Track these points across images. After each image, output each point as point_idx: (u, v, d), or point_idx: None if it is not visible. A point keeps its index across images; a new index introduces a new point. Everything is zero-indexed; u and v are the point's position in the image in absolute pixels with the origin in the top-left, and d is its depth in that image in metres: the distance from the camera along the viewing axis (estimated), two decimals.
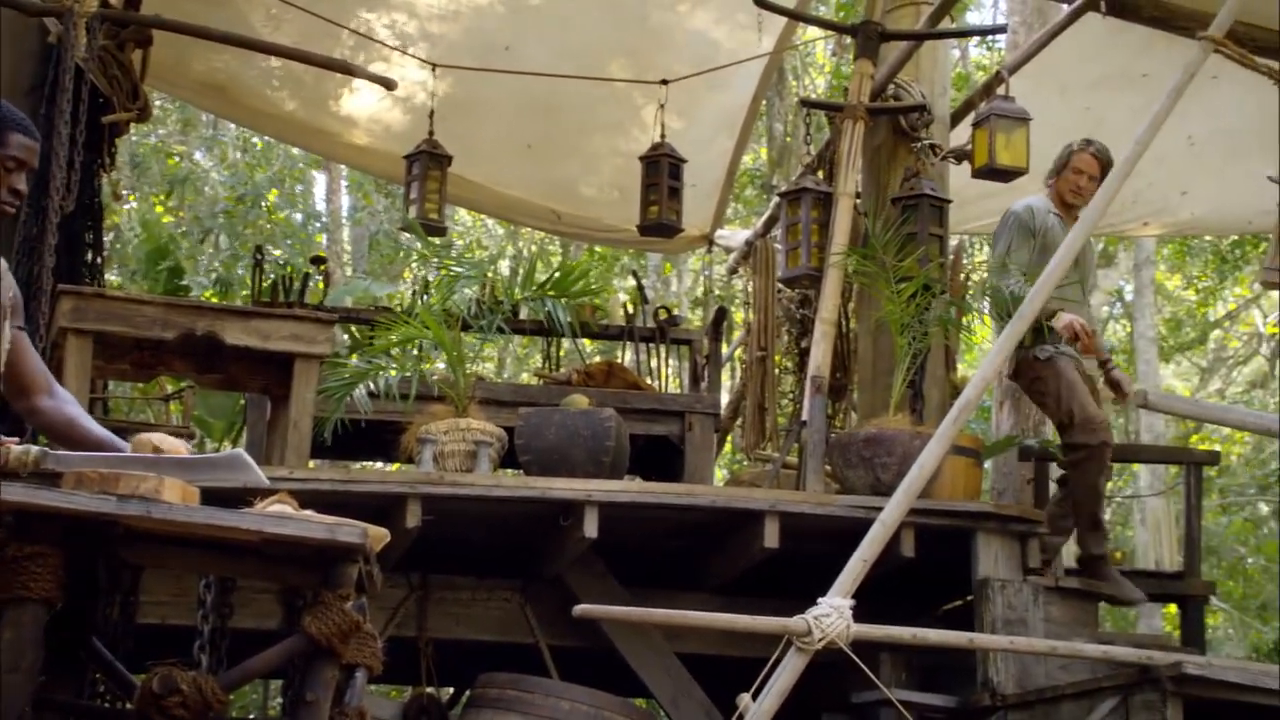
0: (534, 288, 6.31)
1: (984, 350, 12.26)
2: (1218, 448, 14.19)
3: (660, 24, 8.09)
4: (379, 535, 3.35)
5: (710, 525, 5.88)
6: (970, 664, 5.68)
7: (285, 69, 8.11)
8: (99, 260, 6.45)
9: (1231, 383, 16.62)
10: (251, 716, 10.57)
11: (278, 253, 13.23)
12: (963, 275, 7.12)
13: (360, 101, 8.44)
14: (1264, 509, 14.91)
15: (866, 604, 4.39)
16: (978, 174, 6.65)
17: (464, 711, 5.80)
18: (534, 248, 16.10)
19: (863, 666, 4.26)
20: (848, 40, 7.93)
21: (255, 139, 14.24)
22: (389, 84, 7.08)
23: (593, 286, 6.62)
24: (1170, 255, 16.01)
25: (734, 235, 10.01)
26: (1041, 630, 5.58)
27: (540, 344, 8.51)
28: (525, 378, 14.13)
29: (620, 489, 5.72)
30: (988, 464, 9.76)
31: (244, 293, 9.84)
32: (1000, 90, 6.60)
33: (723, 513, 5.73)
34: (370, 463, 8.25)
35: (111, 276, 11.88)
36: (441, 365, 6.42)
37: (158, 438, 3.34)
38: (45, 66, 5.95)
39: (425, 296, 6.97)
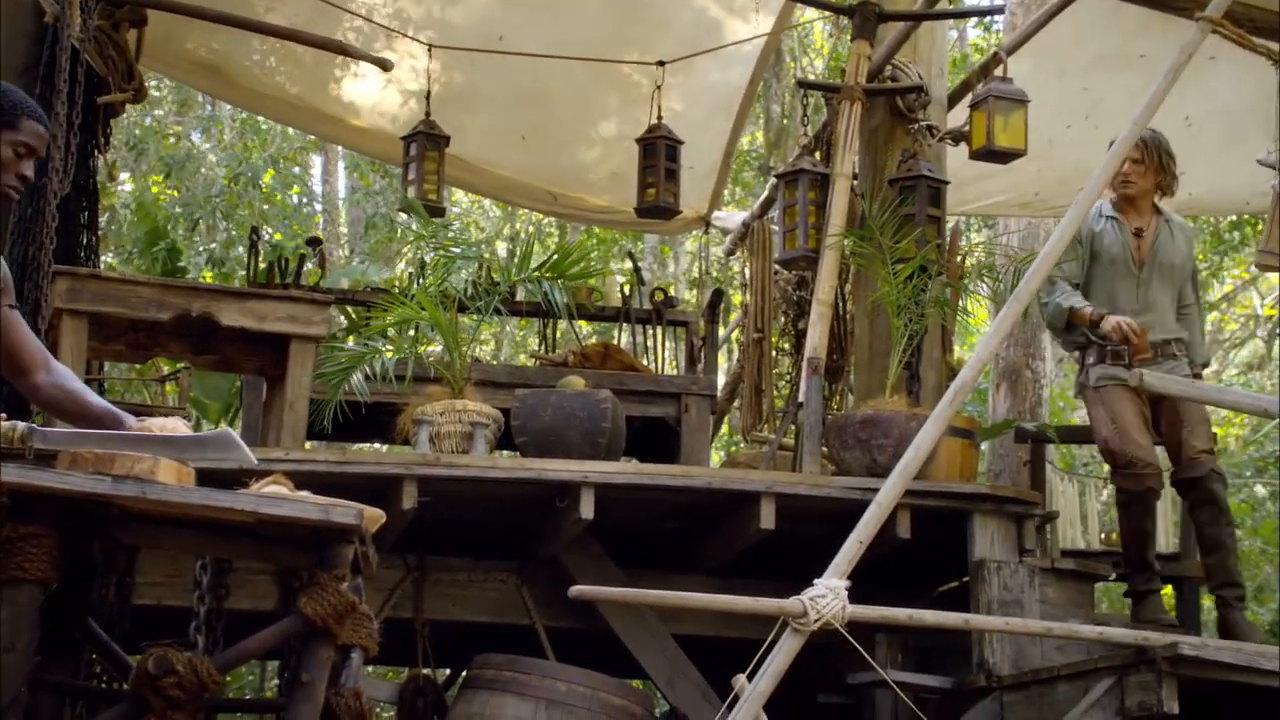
0: (530, 269, 6.31)
1: (982, 332, 12.25)
2: (1215, 429, 14.22)
3: (657, 8, 8.07)
4: (374, 516, 3.35)
5: (706, 507, 5.89)
6: (966, 645, 5.68)
7: (283, 50, 8.09)
8: (94, 241, 6.44)
9: (1228, 365, 16.62)
10: (248, 697, 10.59)
11: (277, 236, 13.21)
12: (960, 257, 7.10)
13: (358, 84, 8.42)
14: (1261, 491, 14.91)
15: (862, 585, 4.39)
16: (975, 155, 6.64)
17: (460, 693, 5.81)
18: (531, 229, 16.08)
19: (858, 648, 4.26)
20: (845, 21, 7.89)
21: (252, 120, 14.20)
22: (385, 64, 7.06)
23: (591, 269, 6.61)
24: None
25: (731, 217, 10.00)
26: (1037, 611, 5.59)
27: (537, 326, 8.50)
28: (522, 359, 14.13)
29: (616, 470, 5.72)
30: (984, 445, 9.77)
31: (241, 274, 9.83)
32: (998, 71, 6.59)
33: (719, 494, 5.73)
34: (366, 444, 8.24)
35: (109, 258, 11.88)
36: (438, 347, 6.42)
37: (158, 423, 3.34)
38: (40, 47, 5.93)
39: (422, 278, 6.97)
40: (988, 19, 13.54)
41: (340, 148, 14.76)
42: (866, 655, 4.46)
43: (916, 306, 6.18)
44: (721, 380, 8.77)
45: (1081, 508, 7.81)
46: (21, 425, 3.19)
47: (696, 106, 8.60)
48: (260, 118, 13.24)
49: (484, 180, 9.32)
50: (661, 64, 7.88)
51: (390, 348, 6.22)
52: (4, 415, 3.28)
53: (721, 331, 9.01)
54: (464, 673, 6.05)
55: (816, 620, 4.14)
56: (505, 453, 6.77)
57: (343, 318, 8.14)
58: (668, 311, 7.72)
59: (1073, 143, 8.06)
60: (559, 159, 9.12)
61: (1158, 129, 5.73)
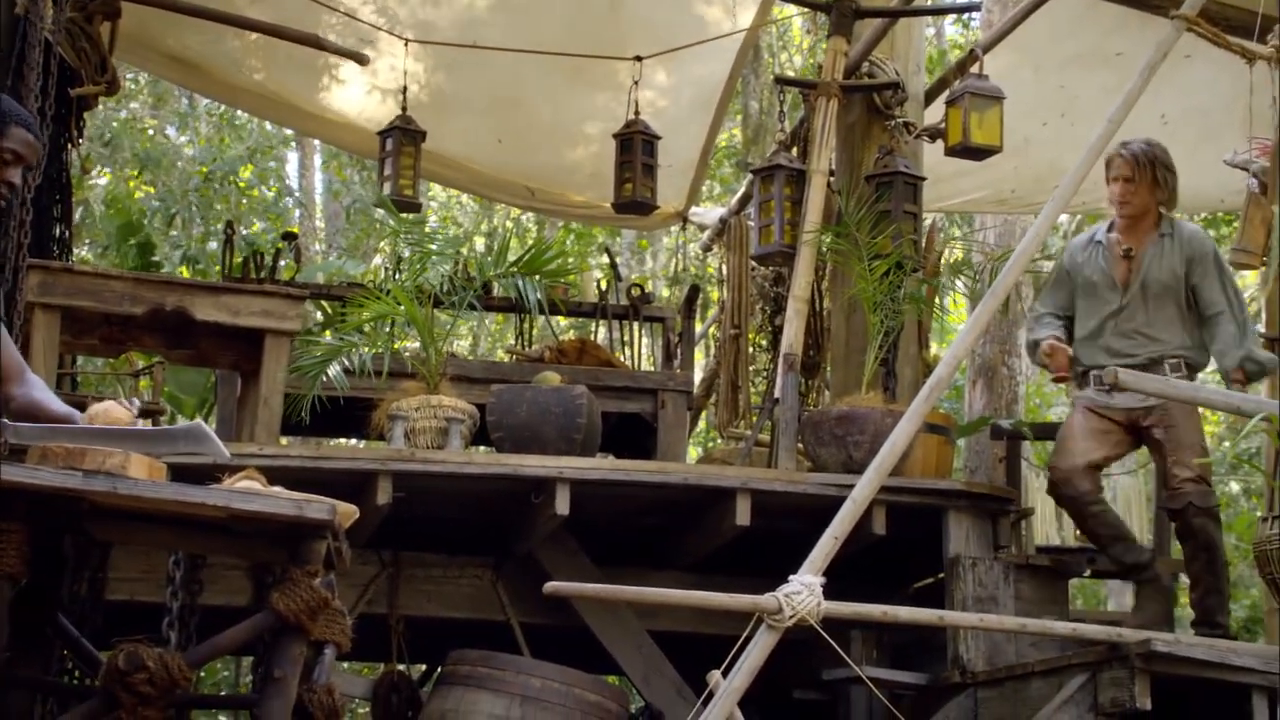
0: (506, 265, 6.29)
1: (959, 329, 12.26)
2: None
3: (634, 7, 8.06)
4: (347, 512, 3.34)
5: (682, 503, 5.88)
6: (941, 641, 5.69)
7: (259, 44, 8.05)
8: (67, 235, 6.40)
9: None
10: (223, 694, 10.55)
11: (255, 229, 13.16)
12: (936, 253, 7.12)
13: (335, 79, 8.39)
14: (1235, 487, 14.99)
15: (838, 582, 4.39)
16: (951, 152, 6.65)
17: (435, 689, 5.79)
18: (509, 224, 16.05)
19: (833, 644, 4.27)
20: (822, 18, 7.90)
21: (229, 114, 14.14)
22: (361, 59, 7.04)
23: (566, 266, 6.59)
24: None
25: (708, 212, 10.00)
26: (1012, 608, 5.60)
27: (514, 321, 8.49)
28: (499, 355, 14.11)
29: (592, 466, 5.71)
30: (960, 442, 9.79)
31: (216, 269, 9.79)
32: (974, 69, 6.60)
33: (695, 490, 5.73)
34: (341, 439, 8.21)
35: (83, 252, 11.81)
36: (415, 343, 6.40)
37: (104, 406, 3.33)
38: (12, 39, 5.88)
39: (398, 273, 6.95)
40: (965, 16, 13.55)
41: (317, 142, 14.72)
42: (841, 652, 4.47)
43: (893, 303, 6.18)
44: (698, 376, 8.77)
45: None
46: None
47: (676, 103, 8.60)
48: (237, 111, 13.19)
49: (461, 175, 9.30)
50: (639, 59, 7.87)
51: (367, 343, 6.20)
52: None
53: (699, 327, 9.01)
54: (439, 669, 6.03)
55: (791, 617, 4.15)
56: (481, 448, 6.76)
57: (319, 313, 8.12)
58: (644, 307, 7.72)
59: (1049, 140, 8.08)
60: (536, 159, 9.11)
61: (1154, 141, 5.59)
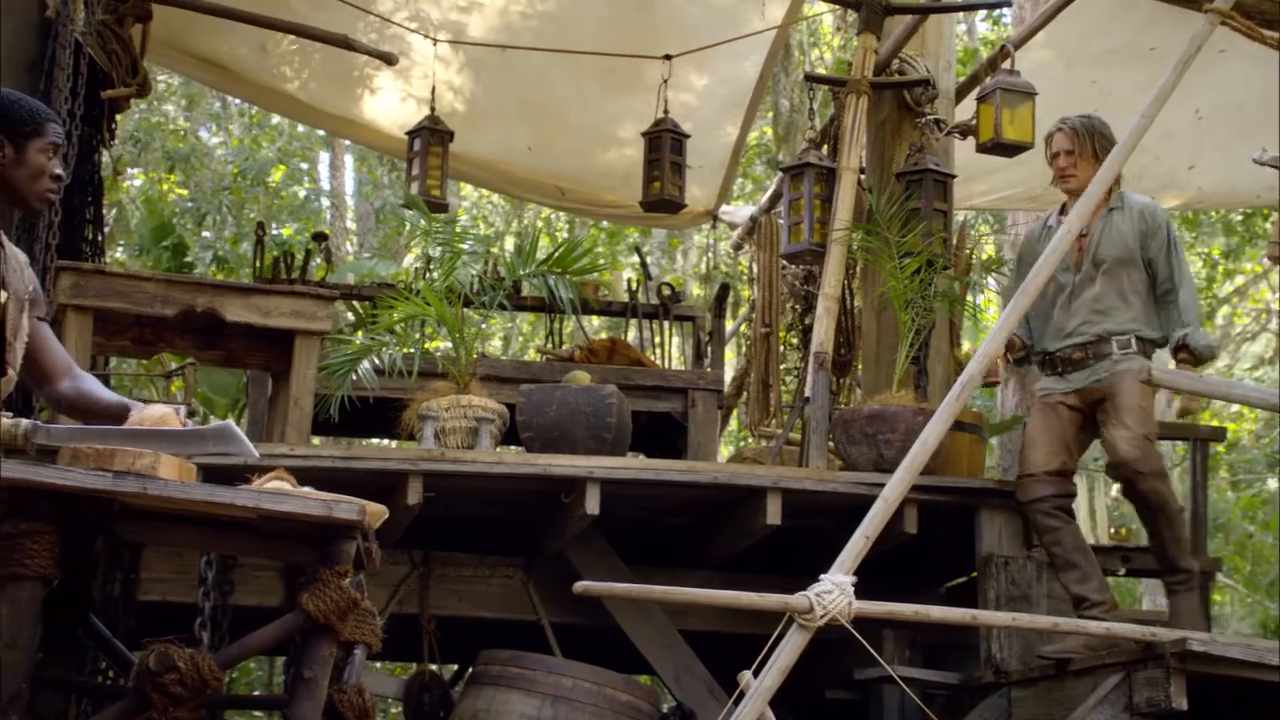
0: (535, 264, 6.29)
1: (990, 327, 12.21)
2: (1228, 424, 14.18)
3: (665, 9, 8.05)
4: (377, 512, 3.34)
5: (712, 502, 5.87)
6: (973, 641, 5.67)
7: (292, 53, 8.08)
8: (99, 237, 6.43)
9: (1239, 359, 16.56)
10: (255, 694, 10.59)
11: (287, 231, 13.21)
12: (967, 251, 7.07)
13: (366, 80, 8.41)
14: (1273, 485, 14.86)
15: (870, 581, 4.37)
16: (982, 149, 6.61)
17: (466, 688, 5.80)
18: (539, 224, 16.06)
19: (865, 644, 4.24)
20: (853, 16, 7.86)
21: (260, 115, 14.20)
22: (390, 59, 7.04)
23: (596, 264, 6.58)
24: (1179, 230, 15.90)
25: (738, 211, 9.98)
26: (1045, 607, 5.57)
27: (545, 321, 8.50)
28: (531, 355, 14.12)
29: (622, 466, 5.70)
30: (993, 440, 9.74)
31: (247, 270, 9.83)
32: (1005, 65, 6.56)
33: (725, 489, 5.72)
34: (372, 439, 8.23)
35: (117, 253, 11.88)
36: (447, 343, 6.40)
37: (158, 413, 3.34)
38: (44, 41, 5.91)
39: (429, 273, 6.96)
40: (996, 12, 13.47)
41: (348, 142, 14.76)
42: (873, 651, 4.44)
43: (923, 301, 6.15)
44: (729, 375, 8.75)
45: (1090, 503, 7.80)
46: (25, 422, 3.19)
47: (707, 104, 8.59)
48: (269, 113, 13.24)
49: (490, 175, 9.31)
50: (668, 57, 7.86)
51: (397, 343, 6.20)
52: (9, 414, 3.28)
53: (729, 326, 8.99)
54: (470, 668, 6.04)
55: (822, 616, 4.13)
56: (511, 448, 6.76)
57: (350, 314, 8.14)
58: (675, 306, 7.70)
59: None
60: (568, 163, 9.12)
61: (1096, 115, 5.58)
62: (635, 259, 9.37)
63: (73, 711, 4.39)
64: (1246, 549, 14.08)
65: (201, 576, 5.41)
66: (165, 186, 13.64)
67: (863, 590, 4.22)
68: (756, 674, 4.16)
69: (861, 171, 6.78)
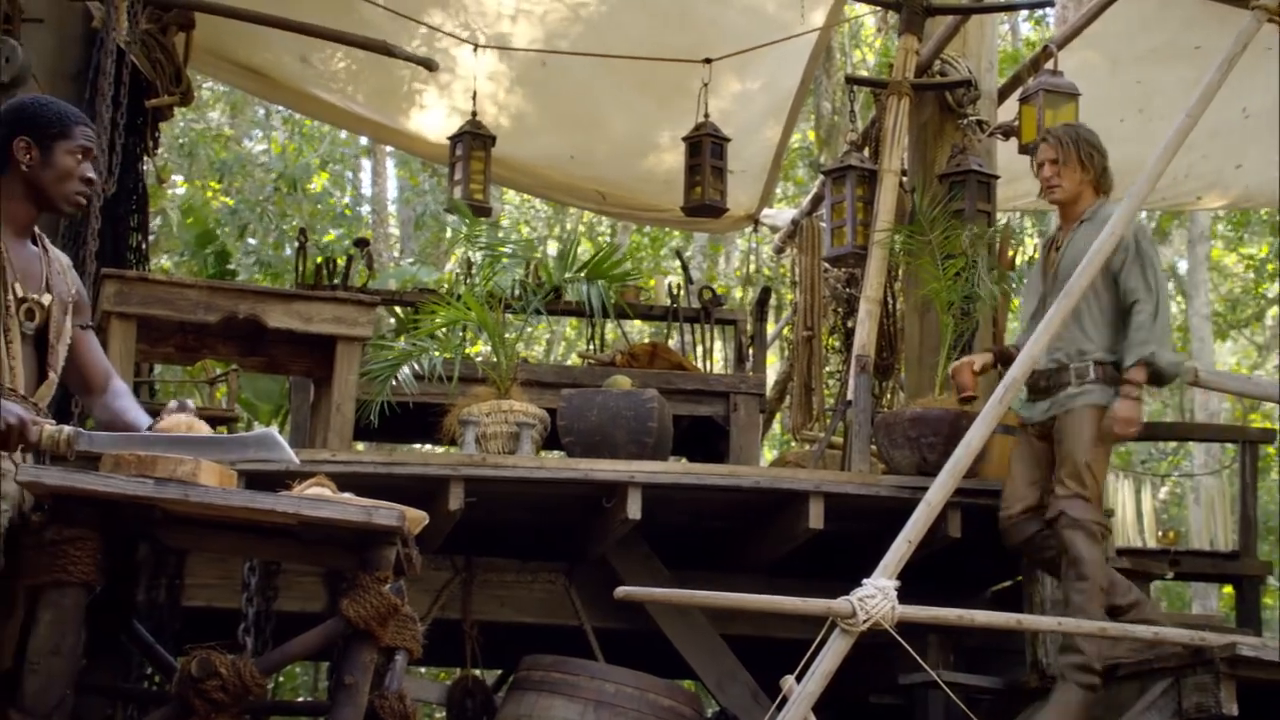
0: (574, 269, 6.28)
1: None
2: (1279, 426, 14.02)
3: (705, 13, 8.04)
4: (417, 518, 3.34)
5: (754, 506, 5.85)
6: (1018, 645, 5.62)
7: (338, 71, 8.14)
8: (144, 244, 6.48)
9: None
10: (299, 700, 10.64)
11: (330, 237, 13.27)
12: (1011, 252, 7.02)
13: (408, 86, 8.44)
14: None
15: (914, 585, 4.34)
16: (1025, 150, 6.56)
17: (509, 694, 5.79)
18: (581, 228, 16.08)
19: (908, 648, 4.21)
20: (894, 17, 7.83)
21: (303, 122, 14.28)
22: (430, 65, 7.06)
23: (636, 269, 6.58)
24: (1226, 230, 15.78)
25: (780, 214, 9.96)
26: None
27: (587, 326, 8.50)
28: (574, 360, 14.13)
29: (663, 470, 5.69)
30: None
31: (290, 273, 9.88)
32: (1048, 65, 6.50)
33: (767, 493, 5.69)
34: (413, 445, 8.25)
35: (161, 261, 11.97)
36: (487, 349, 6.41)
37: (187, 419, 3.35)
38: (89, 51, 5.97)
39: (470, 278, 6.97)
40: (1038, 13, 13.38)
41: (389, 149, 14.82)
42: (917, 656, 4.41)
43: (966, 303, 6.11)
44: (771, 378, 8.72)
45: (1138, 506, 7.71)
46: (68, 429, 3.21)
47: (748, 109, 8.58)
48: (311, 120, 13.31)
49: (532, 180, 9.33)
50: (708, 61, 7.85)
51: (439, 348, 6.21)
52: (52, 420, 3.30)
53: (771, 329, 8.96)
54: (512, 674, 6.04)
55: (865, 621, 4.09)
56: (552, 453, 6.76)
57: (392, 319, 8.16)
58: (716, 310, 7.68)
59: (1126, 137, 7.93)
60: (607, 170, 9.12)
61: (1081, 124, 5.41)
62: (677, 263, 9.36)
63: (117, 717, 4.41)
64: None
65: (245, 582, 5.44)
66: (209, 194, 13.73)
67: (906, 594, 4.18)
68: (799, 679, 4.13)
69: (903, 173, 6.74)
